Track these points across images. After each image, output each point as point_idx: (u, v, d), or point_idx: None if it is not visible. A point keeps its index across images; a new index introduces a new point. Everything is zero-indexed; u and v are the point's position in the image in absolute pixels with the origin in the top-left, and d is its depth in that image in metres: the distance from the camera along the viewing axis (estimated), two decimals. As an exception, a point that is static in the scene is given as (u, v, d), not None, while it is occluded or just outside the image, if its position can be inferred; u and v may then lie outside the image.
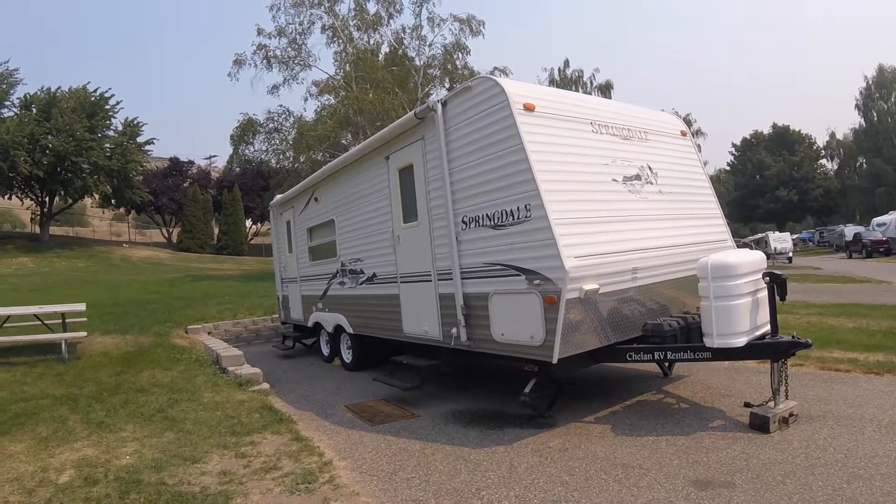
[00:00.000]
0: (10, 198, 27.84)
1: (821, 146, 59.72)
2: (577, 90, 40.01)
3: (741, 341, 4.27)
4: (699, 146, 46.95)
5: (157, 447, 4.67)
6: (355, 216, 7.33)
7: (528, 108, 4.57)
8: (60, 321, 8.22)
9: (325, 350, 9.07)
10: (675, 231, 5.37)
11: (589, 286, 4.25)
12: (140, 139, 32.03)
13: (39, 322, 8.35)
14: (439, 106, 5.19)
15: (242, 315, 12.42)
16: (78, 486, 3.95)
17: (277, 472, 4.09)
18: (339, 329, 8.35)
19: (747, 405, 4.53)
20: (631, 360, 4.74)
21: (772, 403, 4.40)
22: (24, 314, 8.05)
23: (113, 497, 3.76)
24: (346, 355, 8.30)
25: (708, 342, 4.37)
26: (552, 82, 34.76)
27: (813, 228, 54.35)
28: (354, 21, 24.67)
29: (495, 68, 25.75)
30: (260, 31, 23.30)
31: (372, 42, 25.61)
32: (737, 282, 4.26)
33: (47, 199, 28.51)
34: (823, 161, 60.07)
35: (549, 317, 4.25)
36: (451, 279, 5.22)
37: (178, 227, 40.65)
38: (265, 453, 4.48)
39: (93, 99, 27.87)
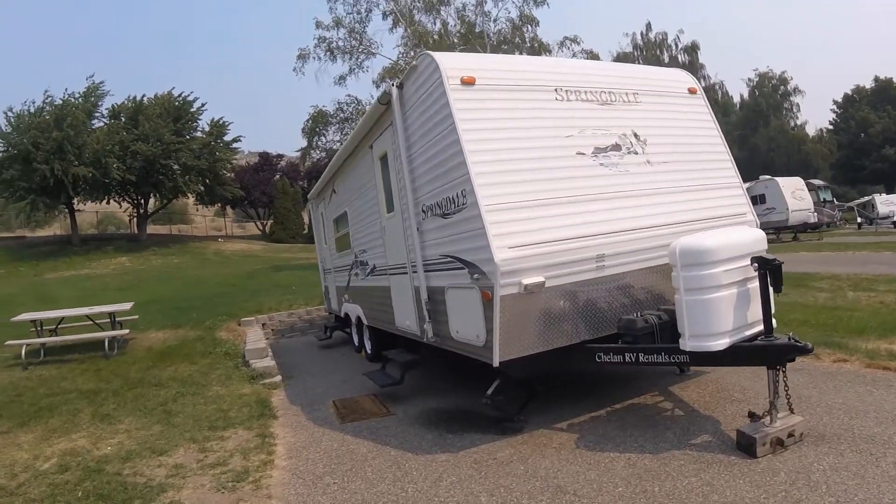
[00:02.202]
0: (108, 202, 31.24)
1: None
2: (661, 54, 37.78)
3: (720, 344, 3.72)
4: (797, 106, 41.29)
5: (139, 439, 5.08)
6: (358, 207, 7.42)
7: (467, 83, 4.31)
8: (110, 320, 9.10)
9: (355, 340, 9.33)
10: (668, 207, 4.81)
11: (530, 280, 3.94)
12: (227, 138, 34.45)
13: (102, 321, 9.32)
14: (394, 89, 5.07)
15: (298, 306, 13.06)
16: (52, 472, 4.41)
17: (221, 468, 4.28)
18: (359, 320, 8.55)
19: (752, 416, 3.92)
20: (601, 361, 4.33)
21: (767, 419, 3.78)
22: (77, 315, 9.02)
23: (70, 483, 4.17)
24: (367, 346, 8.49)
25: (682, 344, 3.88)
26: (635, 48, 33.17)
27: (928, 189, 47.34)
28: (414, 3, 24.78)
29: (565, 38, 24.82)
30: (319, 24, 24.11)
31: (438, 23, 25.64)
32: (712, 270, 3.70)
33: (142, 200, 31.62)
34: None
35: (487, 315, 4.02)
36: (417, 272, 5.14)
37: (271, 220, 43.36)
38: (225, 449, 4.72)
39: (177, 104, 30.49)
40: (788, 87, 54.52)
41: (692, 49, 34.86)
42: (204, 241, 37.34)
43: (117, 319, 9.46)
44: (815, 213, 25.51)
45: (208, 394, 6.49)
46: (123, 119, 28.94)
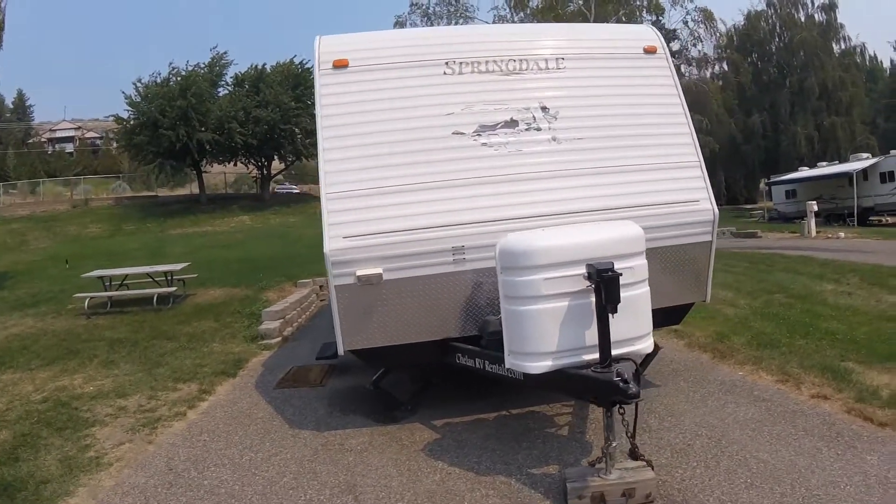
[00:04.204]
0: (235, 164, 34.94)
1: None
2: (796, 12, 33.45)
3: (538, 366, 3.36)
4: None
5: (118, 383, 6.21)
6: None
7: (340, 65, 4.44)
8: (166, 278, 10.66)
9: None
10: (571, 193, 4.40)
11: (366, 271, 4.04)
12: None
13: (163, 277, 10.89)
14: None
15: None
16: (34, 402, 5.67)
17: (148, 414, 5.23)
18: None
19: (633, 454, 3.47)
20: (459, 362, 4.33)
21: (602, 466, 3.34)
22: (139, 273, 10.73)
23: (39, 412, 5.36)
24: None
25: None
26: (768, 5, 30.36)
27: None
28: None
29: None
30: (409, -9, 24.72)
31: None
32: (530, 277, 3.33)
33: (266, 162, 34.91)
34: None
35: (333, 303, 4.23)
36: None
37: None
38: (168, 399, 5.67)
39: (297, 71, 32.96)
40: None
41: (829, 7, 31.30)
42: (324, 202, 40.15)
43: (179, 277, 11.03)
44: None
45: (203, 349, 7.58)
46: (247, 87, 32.01)
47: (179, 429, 4.90)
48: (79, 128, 58.90)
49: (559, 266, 3.36)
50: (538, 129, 4.55)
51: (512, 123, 4.52)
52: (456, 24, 25.29)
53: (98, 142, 54.03)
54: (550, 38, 5.06)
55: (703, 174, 4.81)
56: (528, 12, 24.79)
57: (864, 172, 24.74)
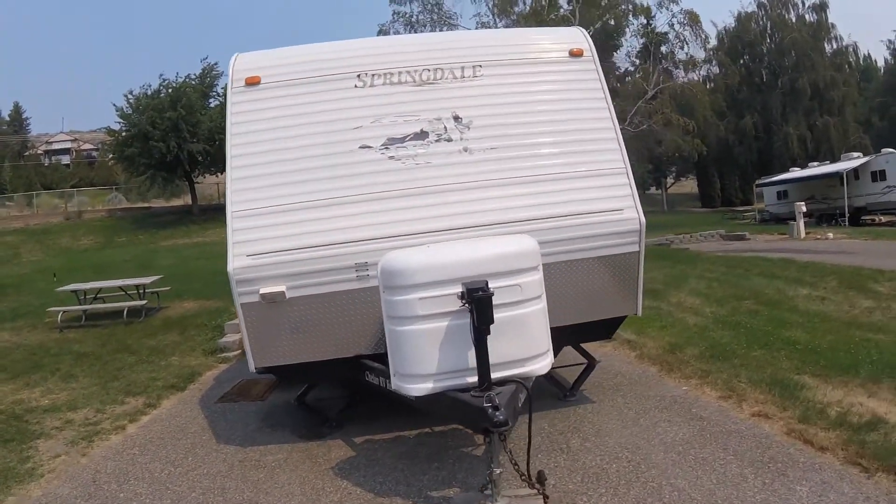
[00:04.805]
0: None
1: None
2: (786, 13, 33.98)
3: (420, 388, 3.37)
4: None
5: (72, 397, 6.56)
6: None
7: (252, 83, 4.54)
8: (136, 291, 11.07)
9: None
10: (481, 205, 4.36)
11: (269, 289, 4.12)
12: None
13: (136, 290, 11.32)
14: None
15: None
16: (-10, 414, 6.04)
17: (91, 427, 5.55)
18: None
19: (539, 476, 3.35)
20: (367, 380, 4.44)
21: (489, 493, 3.24)
22: (112, 286, 11.13)
23: (-7, 423, 5.72)
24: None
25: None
26: (759, 6, 31.26)
27: None
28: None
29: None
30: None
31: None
32: (408, 296, 3.34)
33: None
34: None
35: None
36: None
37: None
38: (114, 413, 6.00)
39: (288, 81, 33.50)
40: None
41: (820, 7, 32.19)
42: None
43: (153, 290, 11.41)
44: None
45: (161, 363, 7.92)
46: (236, 98, 32.50)
47: (115, 442, 5.22)
48: (75, 140, 59.71)
49: (435, 285, 3.35)
50: (449, 140, 4.53)
51: (422, 135, 4.51)
52: (441, 30, 25.77)
53: (94, 153, 54.81)
54: (468, 45, 5.05)
55: (629, 181, 4.67)
56: (514, 18, 25.15)
57: (856, 172, 24.88)
